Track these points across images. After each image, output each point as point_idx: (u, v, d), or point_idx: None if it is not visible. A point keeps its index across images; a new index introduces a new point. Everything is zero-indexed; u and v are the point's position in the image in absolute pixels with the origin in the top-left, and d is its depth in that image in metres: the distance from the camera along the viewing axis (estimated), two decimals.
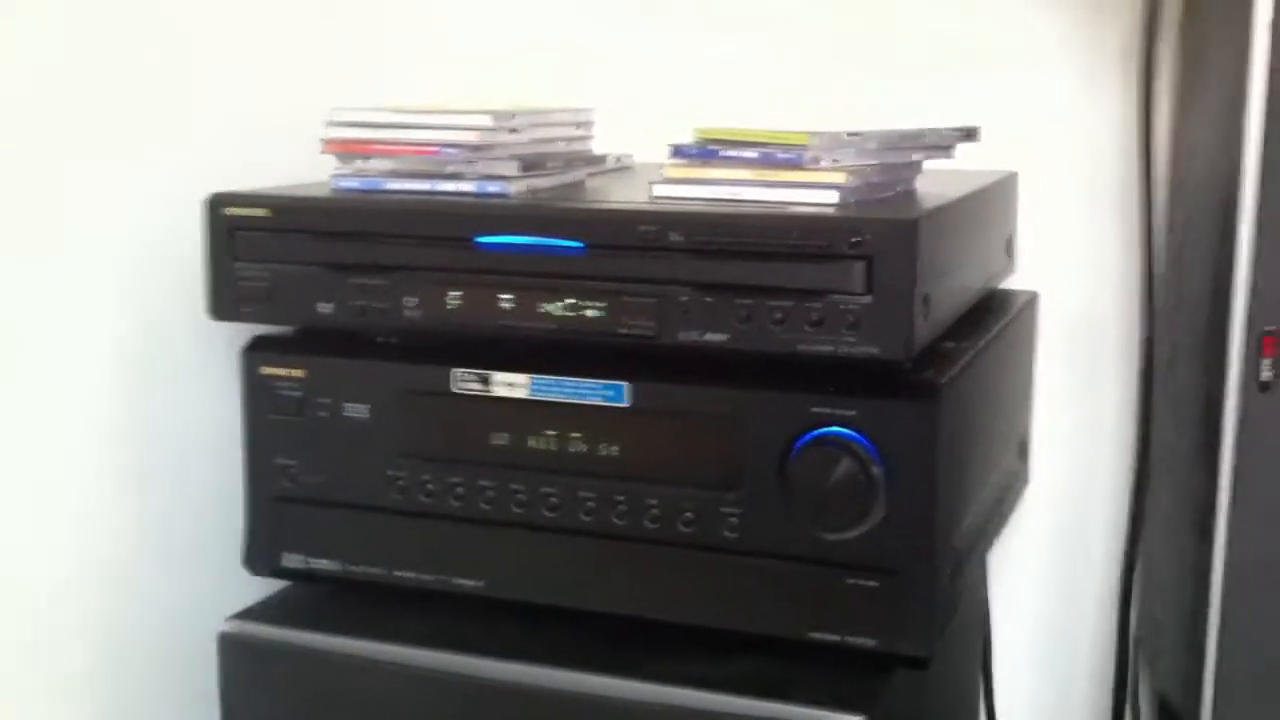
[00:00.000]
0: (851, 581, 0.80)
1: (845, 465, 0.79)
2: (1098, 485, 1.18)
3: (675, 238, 0.82)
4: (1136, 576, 1.08)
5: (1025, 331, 1.10)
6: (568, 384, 0.86)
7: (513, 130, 0.96)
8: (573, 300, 0.84)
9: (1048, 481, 1.18)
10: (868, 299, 0.78)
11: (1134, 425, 1.14)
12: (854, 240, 0.78)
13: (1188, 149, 1.09)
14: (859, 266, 0.78)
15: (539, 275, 0.85)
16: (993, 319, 1.00)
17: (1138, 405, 1.07)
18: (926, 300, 0.81)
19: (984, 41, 1.16)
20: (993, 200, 1.05)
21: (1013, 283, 1.13)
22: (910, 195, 0.92)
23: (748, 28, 1.22)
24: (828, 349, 0.79)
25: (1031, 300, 1.12)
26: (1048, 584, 1.21)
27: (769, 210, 0.84)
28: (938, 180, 0.97)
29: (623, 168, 1.10)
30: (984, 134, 1.00)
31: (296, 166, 0.97)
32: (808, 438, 0.80)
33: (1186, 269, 1.04)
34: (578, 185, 1.00)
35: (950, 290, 0.90)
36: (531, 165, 0.96)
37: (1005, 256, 1.10)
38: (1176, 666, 0.98)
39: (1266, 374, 0.86)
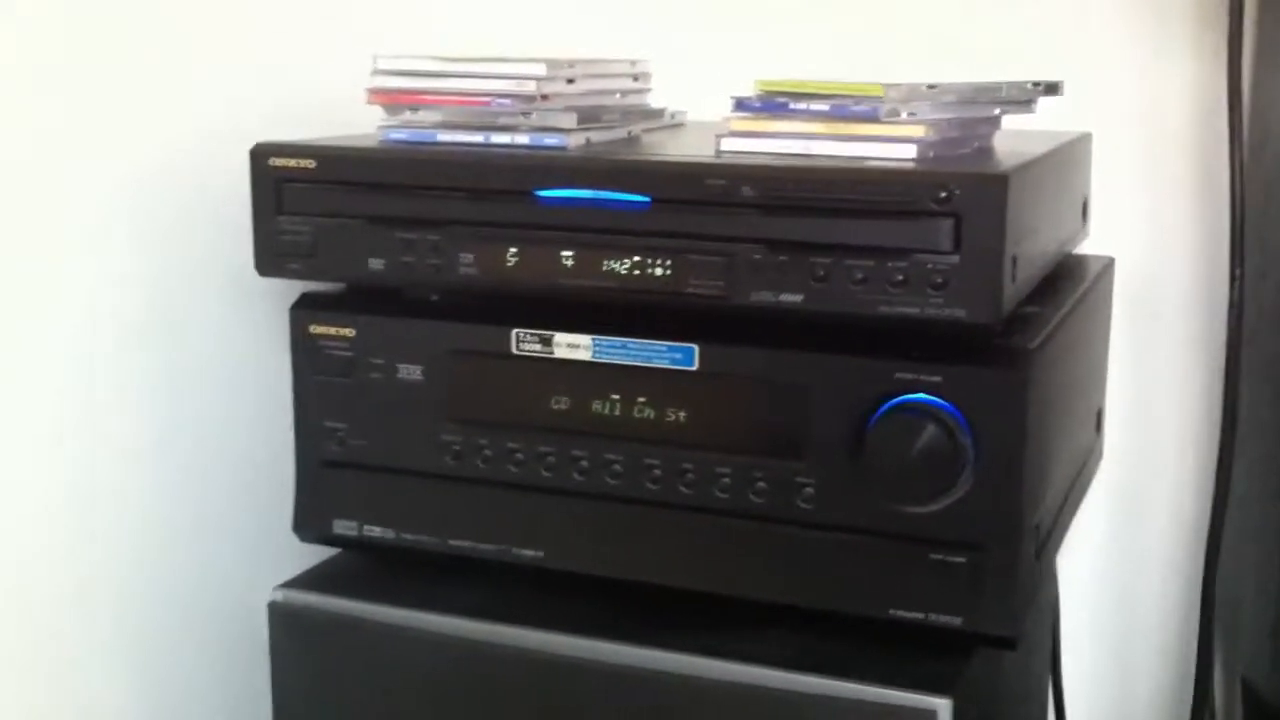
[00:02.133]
0: (935, 557, 0.76)
1: (930, 434, 0.75)
2: (1169, 457, 1.14)
3: (747, 192, 0.77)
4: (1220, 555, 1.03)
5: (1103, 297, 1.05)
6: (633, 346, 0.81)
7: (569, 80, 0.91)
8: (638, 258, 0.80)
9: (1119, 453, 1.14)
10: (955, 258, 0.74)
11: (1212, 395, 1.09)
12: (941, 195, 0.74)
13: (1268, 107, 1.04)
14: (946, 224, 0.74)
15: (602, 231, 0.80)
16: (1072, 284, 0.96)
17: (1223, 374, 1.02)
18: (1015, 261, 0.77)
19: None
20: (1070, 160, 1.00)
21: (1085, 248, 1.08)
22: (990, 151, 0.88)
23: None
24: (912, 311, 0.74)
25: (1109, 265, 1.07)
26: (1115, 560, 1.17)
27: (844, 164, 0.79)
28: (1012, 139, 0.92)
29: (680, 123, 1.06)
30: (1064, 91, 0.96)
31: (342, 120, 0.93)
32: (889, 405, 0.76)
33: (1274, 232, 1.00)
34: (635, 140, 0.96)
35: (1033, 253, 0.85)
36: (588, 118, 0.91)
37: (1081, 220, 1.06)
38: (1261, 648, 0.94)
39: None
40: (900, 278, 0.75)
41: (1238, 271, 1.00)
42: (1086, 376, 1.00)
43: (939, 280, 0.74)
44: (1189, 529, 1.14)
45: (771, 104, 0.86)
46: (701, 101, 0.97)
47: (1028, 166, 0.82)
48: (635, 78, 1.00)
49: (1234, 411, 1.00)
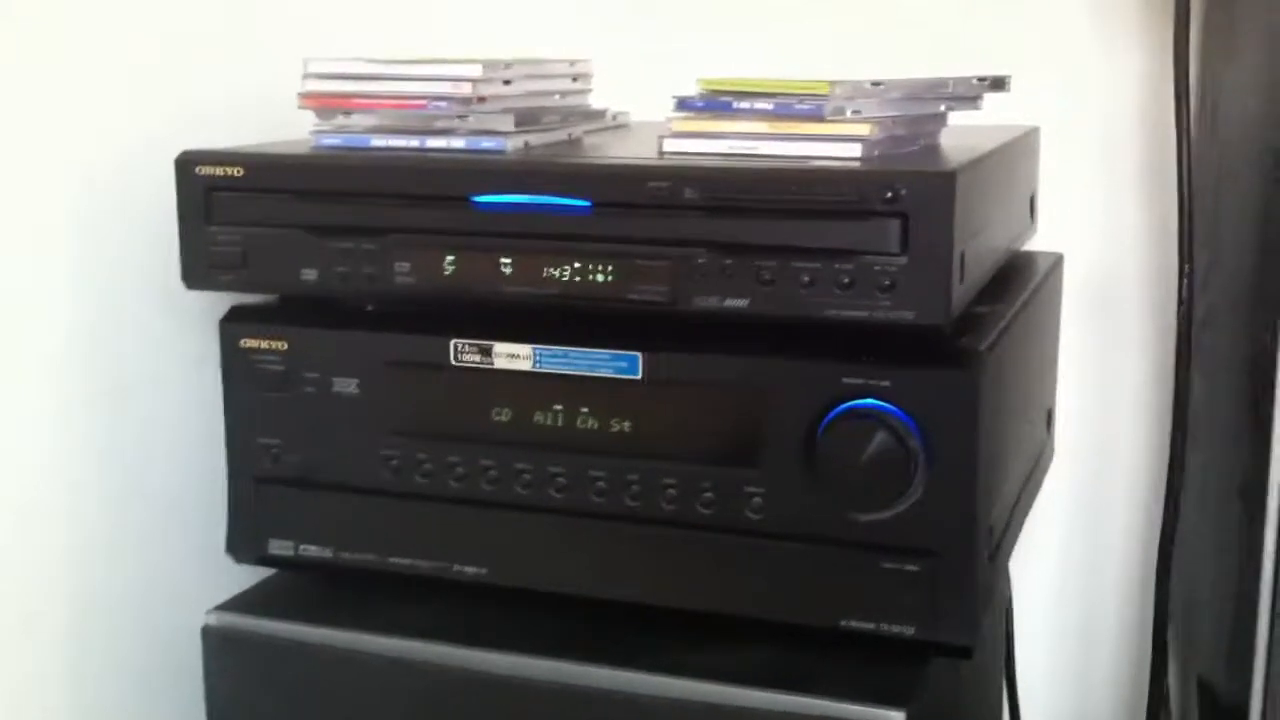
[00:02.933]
0: (887, 565, 0.74)
1: (880, 439, 0.73)
2: (1123, 456, 1.13)
3: (690, 195, 0.75)
4: (1174, 551, 1.03)
5: (1053, 294, 1.04)
6: (575, 355, 0.79)
7: (506, 81, 0.89)
8: (579, 264, 0.78)
9: (1073, 452, 1.13)
10: (903, 259, 0.72)
11: (1166, 392, 1.08)
12: (887, 195, 0.72)
13: (1217, 101, 1.03)
14: (894, 224, 0.72)
15: (542, 237, 0.78)
16: (1021, 282, 0.94)
17: (1173, 371, 1.01)
18: (963, 260, 0.75)
19: None
20: (1017, 156, 0.99)
21: (1036, 244, 1.07)
22: (937, 149, 0.86)
23: None
24: (860, 314, 0.73)
25: (1058, 262, 1.06)
26: (1071, 559, 1.16)
27: (790, 164, 0.77)
28: (958, 135, 0.91)
29: (621, 124, 1.03)
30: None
31: (274, 125, 0.90)
32: (838, 410, 0.74)
33: (1224, 225, 0.99)
34: (576, 142, 0.93)
35: (982, 251, 0.83)
36: (526, 120, 0.89)
37: (1029, 216, 1.04)
38: (1218, 648, 0.93)
39: None
40: (847, 280, 0.73)
41: (1186, 267, 0.99)
42: (1037, 375, 0.99)
43: (887, 282, 0.72)
44: (1144, 528, 1.13)
45: (714, 103, 0.84)
46: (645, 102, 0.95)
47: (975, 163, 0.80)
48: (575, 78, 0.98)
49: (1184, 408, 0.99)
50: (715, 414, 0.77)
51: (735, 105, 0.84)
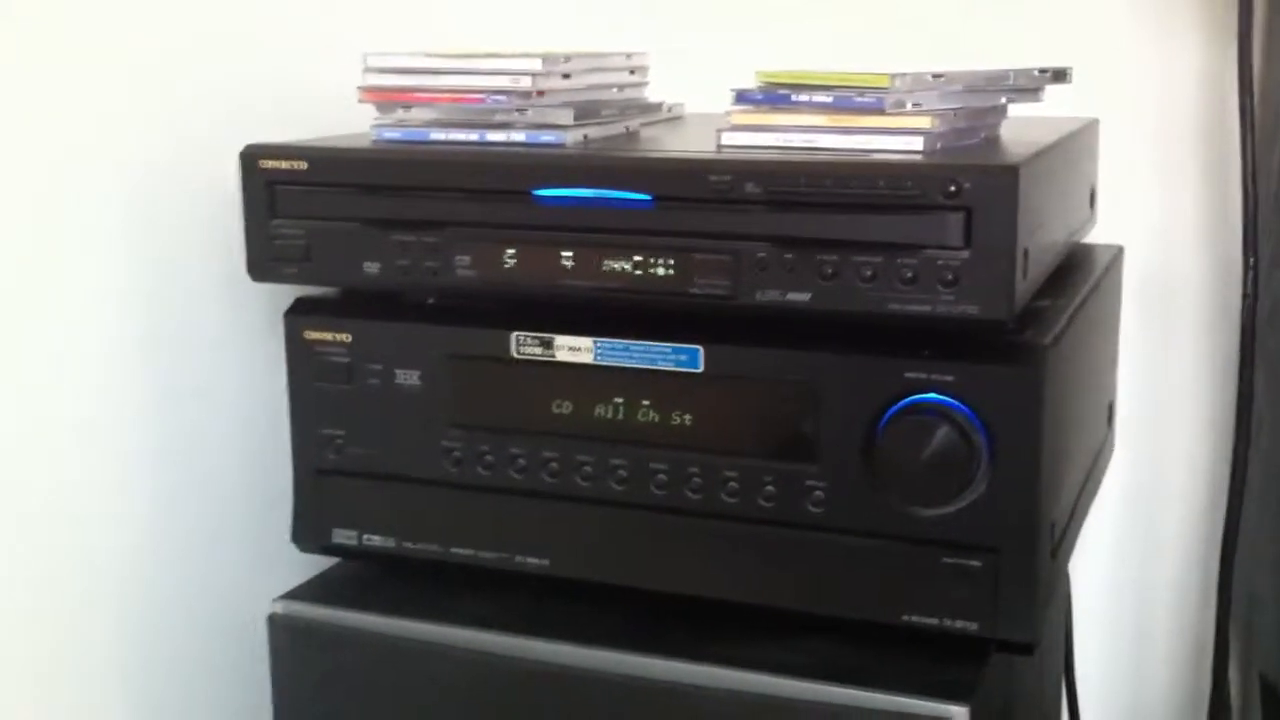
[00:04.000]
0: (949, 561, 0.74)
1: (943, 435, 0.73)
2: (1180, 452, 1.12)
3: (751, 189, 0.75)
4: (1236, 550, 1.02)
5: (1113, 288, 1.03)
6: (636, 348, 0.79)
7: (565, 75, 0.89)
8: (640, 257, 0.78)
9: (1133, 446, 1.12)
10: (966, 253, 0.72)
11: (1227, 387, 1.07)
12: (950, 189, 0.72)
13: (1277, 91, 1.02)
14: (957, 218, 0.72)
15: (603, 231, 0.78)
16: (1082, 275, 0.94)
17: (1234, 366, 1.00)
18: (1026, 255, 0.75)
19: None
20: (1078, 149, 0.98)
21: (1095, 236, 1.06)
22: (998, 142, 0.86)
23: None
24: (923, 308, 0.72)
25: (1118, 255, 1.05)
26: (1130, 555, 1.15)
27: (852, 158, 0.77)
28: (1018, 127, 0.90)
29: (677, 117, 1.03)
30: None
31: (334, 119, 0.91)
32: (901, 405, 0.74)
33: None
34: (634, 135, 0.93)
35: (1044, 244, 0.83)
36: (585, 113, 0.89)
37: (1089, 209, 1.04)
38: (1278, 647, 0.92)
39: None
40: (910, 274, 0.73)
41: (1251, 260, 0.98)
42: (1098, 369, 0.98)
43: (950, 276, 0.72)
44: (1204, 523, 1.12)
45: (773, 96, 0.84)
46: (701, 94, 0.95)
47: (1037, 157, 0.80)
48: (632, 71, 0.98)
49: (1248, 403, 0.98)
50: (776, 408, 0.77)
51: (794, 98, 0.84)
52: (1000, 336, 0.74)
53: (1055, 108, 0.94)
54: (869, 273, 0.73)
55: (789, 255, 0.75)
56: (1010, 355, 0.73)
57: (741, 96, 0.85)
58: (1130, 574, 1.15)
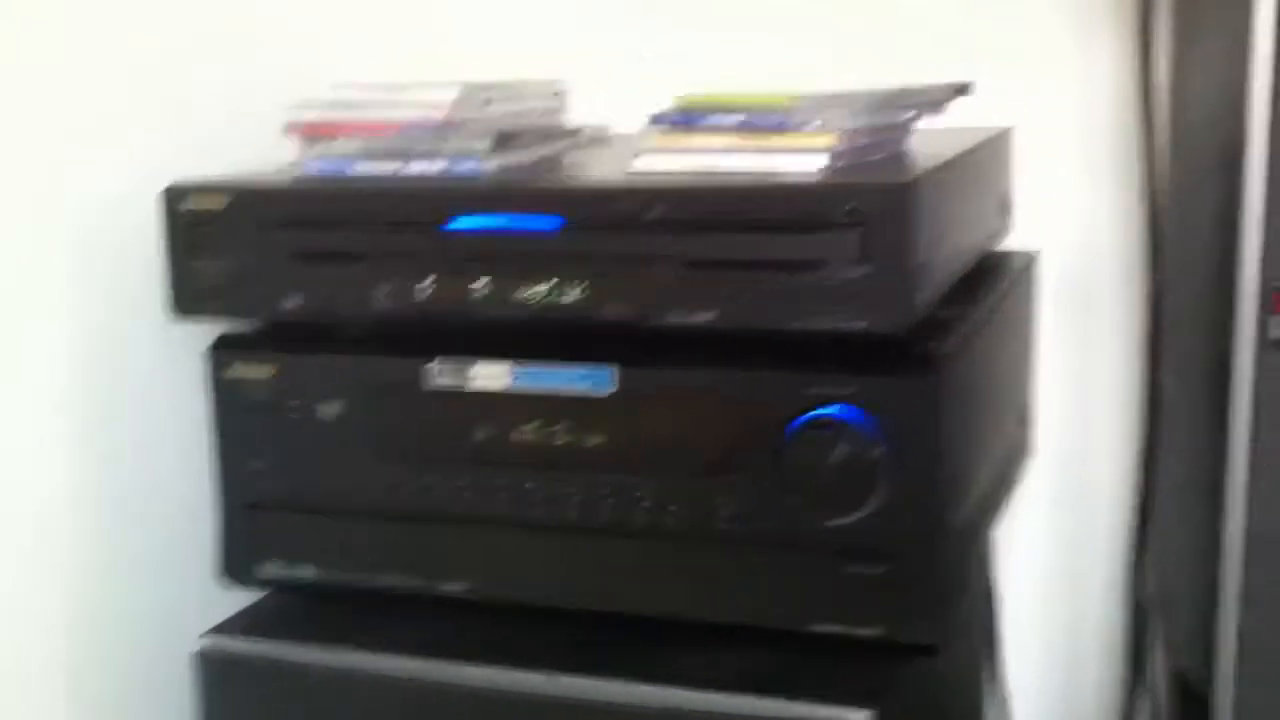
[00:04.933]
0: (854, 569, 0.76)
1: (843, 446, 0.75)
2: (1101, 452, 1.14)
3: (657, 212, 0.77)
4: (1148, 546, 1.04)
5: (1025, 294, 1.06)
6: (550, 372, 0.81)
7: (485, 103, 0.91)
8: (550, 283, 0.80)
9: (1051, 450, 1.14)
10: (863, 269, 0.74)
11: (1139, 389, 1.10)
12: (846, 207, 0.74)
13: (1187, 98, 1.05)
14: (852, 235, 0.74)
15: (514, 258, 0.80)
16: (991, 283, 0.96)
17: (1144, 368, 1.02)
18: (924, 267, 0.77)
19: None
20: (987, 158, 1.01)
21: (1011, 243, 1.08)
22: (903, 157, 0.88)
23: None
24: (823, 324, 0.75)
25: (1030, 261, 1.07)
26: (1053, 557, 1.17)
27: (755, 179, 0.79)
28: (929, 139, 0.93)
29: (600, 140, 1.05)
30: (977, 89, 0.96)
31: (260, 153, 0.92)
32: (803, 419, 0.76)
33: (1191, 224, 1.00)
34: (554, 160, 0.95)
35: (946, 255, 0.85)
36: (504, 141, 0.91)
37: (1001, 216, 1.06)
38: (1194, 641, 0.94)
39: (1277, 331, 0.82)
40: (811, 291, 0.75)
41: (1156, 262, 1.01)
42: (1009, 374, 1.01)
43: (848, 292, 0.74)
44: (1126, 524, 1.15)
45: (685, 118, 0.86)
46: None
47: (936, 171, 0.82)
48: (553, 95, 1.00)
49: (1156, 405, 1.00)
50: (687, 425, 0.79)
51: (704, 120, 0.86)
52: (899, 348, 0.76)
53: (980, 115, 0.97)
54: (771, 290, 0.76)
55: (695, 276, 0.77)
56: (908, 366, 0.75)
57: (656, 119, 0.87)
58: (1059, 573, 1.18)
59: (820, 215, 0.74)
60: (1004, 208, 1.07)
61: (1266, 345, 0.83)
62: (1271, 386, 0.83)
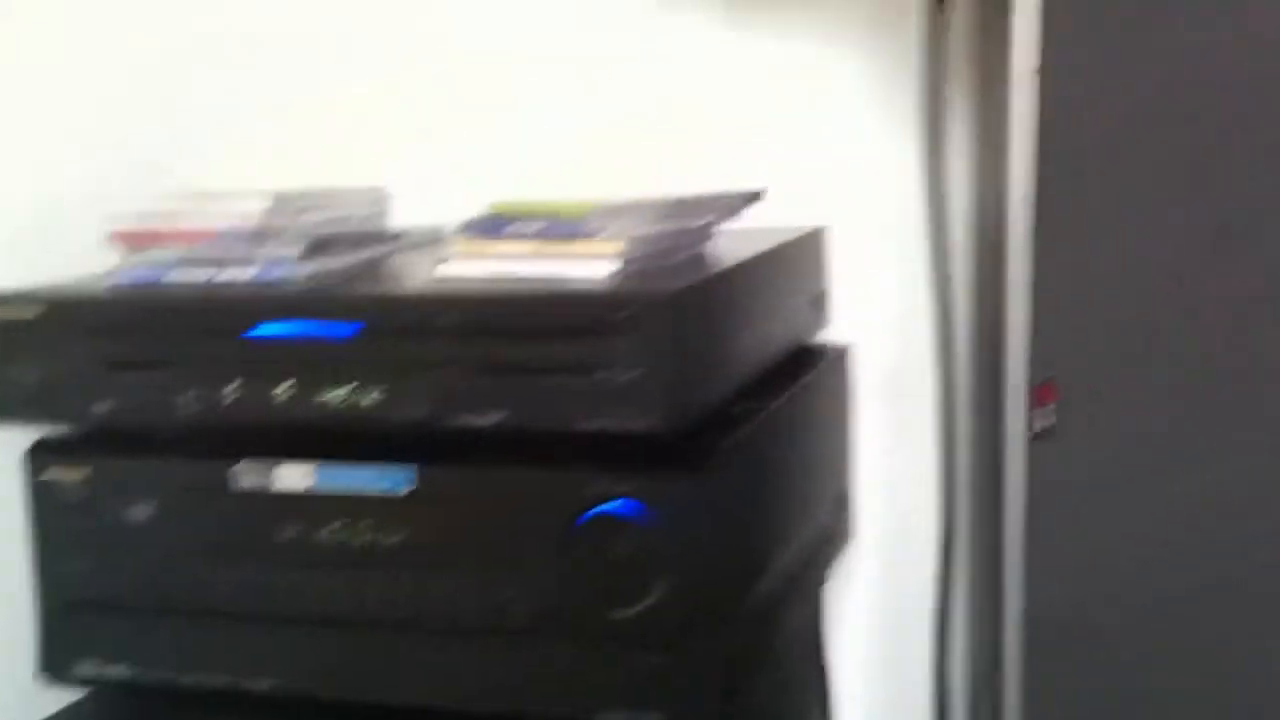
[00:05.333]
0: (638, 658, 0.79)
1: (625, 541, 0.78)
2: (917, 537, 1.18)
3: (450, 319, 0.81)
4: (949, 631, 1.08)
5: (835, 384, 1.11)
6: (350, 473, 0.84)
7: (298, 211, 0.94)
8: (351, 387, 0.83)
9: (874, 534, 1.18)
10: (637, 372, 0.78)
11: (937, 476, 1.14)
12: (621, 314, 0.78)
13: (983, 195, 1.11)
14: (625, 340, 0.78)
15: (315, 363, 0.83)
16: (794, 375, 1.01)
17: (941, 456, 1.07)
18: (702, 368, 0.81)
19: (786, 102, 1.17)
20: (793, 256, 1.06)
21: (831, 334, 1.13)
22: (695, 261, 0.92)
23: (545, 107, 1.22)
24: (600, 424, 0.78)
25: (842, 353, 1.12)
26: (881, 638, 1.21)
27: (543, 286, 0.83)
28: (740, 240, 0.98)
29: (425, 244, 1.09)
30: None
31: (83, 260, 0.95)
32: (587, 515, 0.80)
33: (981, 318, 1.06)
34: (370, 265, 0.99)
35: (742, 350, 0.90)
36: (320, 247, 0.94)
37: (814, 311, 1.11)
38: None
39: (1042, 423, 0.87)
40: (588, 393, 0.79)
41: (947, 354, 1.06)
42: (821, 460, 1.05)
43: (625, 394, 0.78)
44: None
45: (492, 226, 0.90)
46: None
47: (719, 276, 0.87)
48: (373, 202, 1.04)
49: (951, 492, 1.05)
50: (479, 523, 0.82)
51: (508, 228, 0.90)
52: (677, 446, 0.80)
53: (804, 214, 1.03)
54: (555, 393, 0.79)
55: (485, 379, 0.80)
56: (684, 463, 0.79)
57: (466, 226, 0.91)
58: (879, 657, 1.21)
59: (598, 321, 0.78)
60: (817, 302, 1.12)
61: (1032, 437, 0.88)
62: (1039, 476, 0.88)
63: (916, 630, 1.18)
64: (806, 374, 1.03)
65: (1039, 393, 0.87)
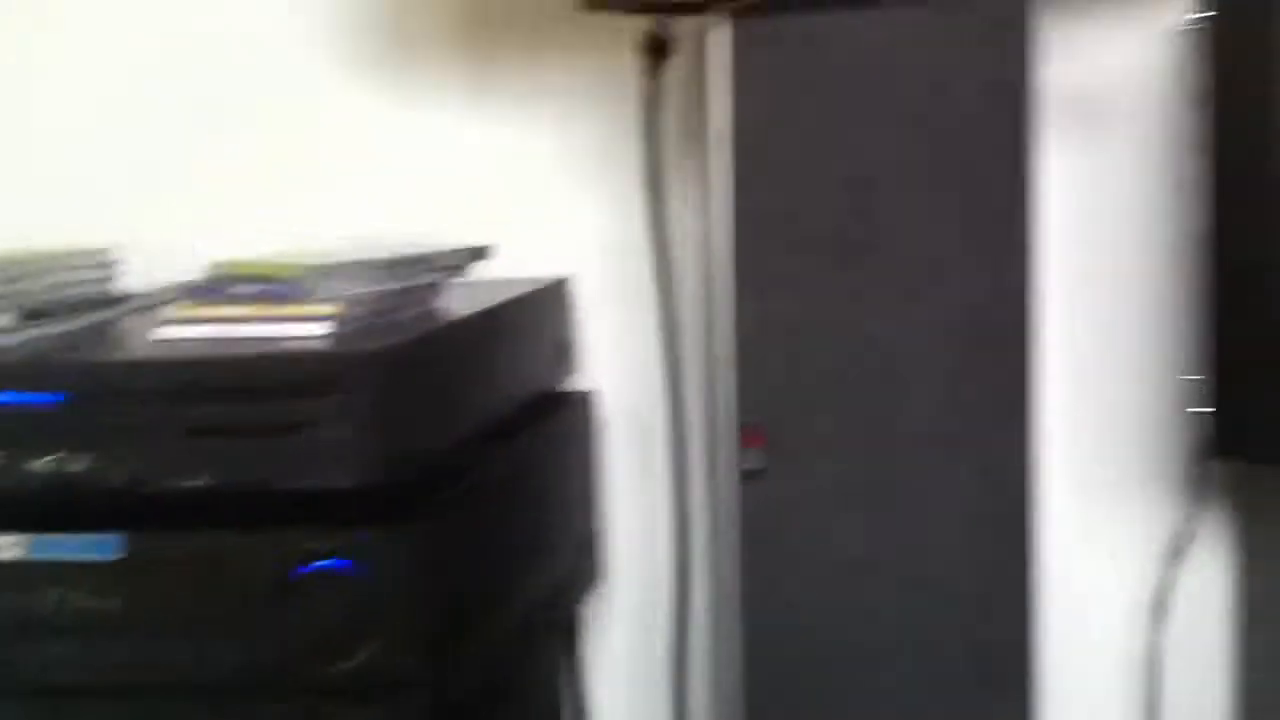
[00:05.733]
0: (354, 713, 0.81)
1: (334, 597, 0.80)
2: (661, 579, 1.20)
3: (156, 383, 0.81)
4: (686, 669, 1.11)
5: (578, 429, 1.14)
6: (61, 542, 0.84)
7: (12, 280, 0.94)
8: (59, 455, 0.83)
9: (629, 573, 1.21)
10: (341, 430, 0.79)
11: (670, 516, 1.18)
12: (322, 374, 0.80)
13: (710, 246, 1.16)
14: (329, 399, 0.79)
15: (23, 431, 0.83)
16: (535, 421, 1.03)
17: (673, 496, 1.11)
18: (418, 421, 0.83)
19: (524, 164, 1.20)
20: (533, 307, 1.09)
21: (581, 381, 1.16)
22: (419, 317, 0.95)
23: (277, 165, 1.23)
24: (308, 483, 0.80)
25: (583, 399, 1.16)
26: (638, 675, 1.23)
27: (250, 349, 0.84)
28: (480, 292, 1.00)
29: (147, 308, 1.07)
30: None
31: None
32: (296, 573, 0.81)
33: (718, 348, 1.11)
34: (89, 331, 0.98)
35: (467, 402, 0.92)
36: (36, 314, 0.94)
37: (559, 359, 1.14)
38: None
39: (748, 464, 0.92)
40: (298, 452, 0.80)
41: (676, 394, 1.10)
42: (561, 504, 1.08)
43: (332, 453, 0.80)
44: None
45: (213, 288, 0.91)
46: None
47: (434, 333, 0.90)
48: (99, 265, 1.04)
49: (685, 531, 1.09)
50: (194, 585, 0.83)
51: (228, 290, 0.91)
52: (386, 501, 0.82)
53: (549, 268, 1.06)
54: (265, 453, 0.80)
55: (193, 442, 0.81)
56: (394, 517, 0.81)
57: (189, 290, 0.91)
58: (641, 696, 1.23)
59: (302, 381, 0.80)
60: (562, 350, 1.15)
61: (741, 477, 0.92)
62: (747, 513, 0.92)
63: (667, 665, 1.22)
64: (547, 420, 1.06)
65: (747, 436, 0.92)
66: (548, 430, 1.05)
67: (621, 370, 1.20)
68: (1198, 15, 0.98)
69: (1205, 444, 0.97)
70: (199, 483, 0.81)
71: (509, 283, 1.08)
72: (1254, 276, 0.91)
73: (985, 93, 0.90)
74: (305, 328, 0.87)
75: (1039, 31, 0.91)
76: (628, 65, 1.13)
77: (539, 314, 1.11)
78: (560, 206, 1.20)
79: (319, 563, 0.81)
